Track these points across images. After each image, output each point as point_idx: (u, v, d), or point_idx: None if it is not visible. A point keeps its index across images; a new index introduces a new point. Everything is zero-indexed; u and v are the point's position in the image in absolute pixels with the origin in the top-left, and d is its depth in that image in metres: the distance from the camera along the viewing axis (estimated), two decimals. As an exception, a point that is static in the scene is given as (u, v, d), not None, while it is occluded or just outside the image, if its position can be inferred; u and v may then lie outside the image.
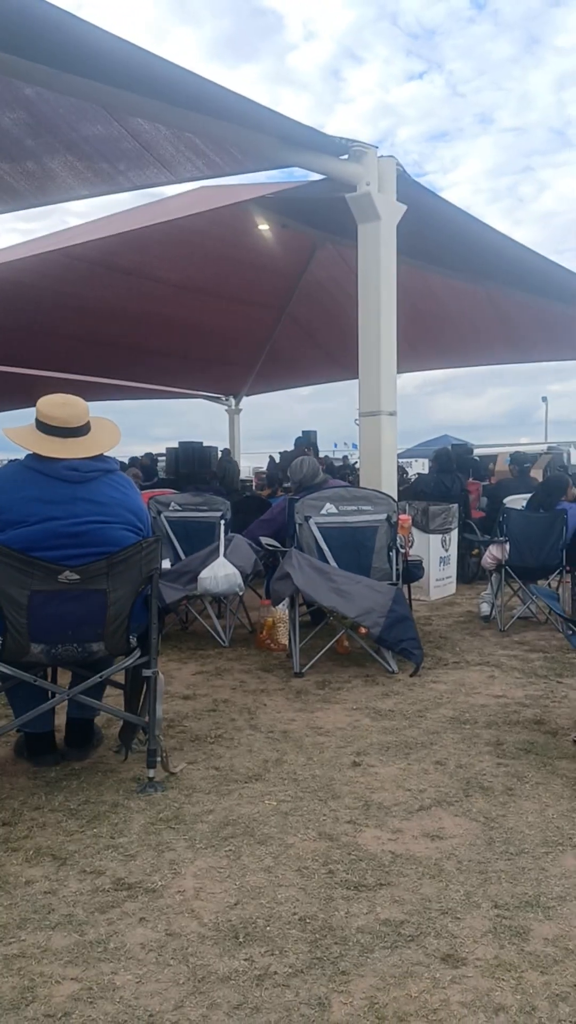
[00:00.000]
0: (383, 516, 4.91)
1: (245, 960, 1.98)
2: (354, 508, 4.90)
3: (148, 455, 15.51)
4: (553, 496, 6.04)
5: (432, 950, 2.01)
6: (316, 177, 6.04)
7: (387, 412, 5.91)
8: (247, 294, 10.39)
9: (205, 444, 16.48)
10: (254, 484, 15.41)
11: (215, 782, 3.08)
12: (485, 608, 6.26)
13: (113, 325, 10.47)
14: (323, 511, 4.86)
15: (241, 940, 2.06)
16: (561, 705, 4.03)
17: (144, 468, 13.22)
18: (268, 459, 16.61)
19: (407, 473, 15.35)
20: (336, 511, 4.86)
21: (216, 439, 17.38)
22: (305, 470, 5.49)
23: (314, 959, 1.98)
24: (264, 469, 19.12)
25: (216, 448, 16.69)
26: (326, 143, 5.51)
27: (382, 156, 5.81)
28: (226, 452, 15.88)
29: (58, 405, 3.12)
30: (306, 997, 1.84)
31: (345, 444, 26.40)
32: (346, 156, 5.65)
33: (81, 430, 3.12)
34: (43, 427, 3.11)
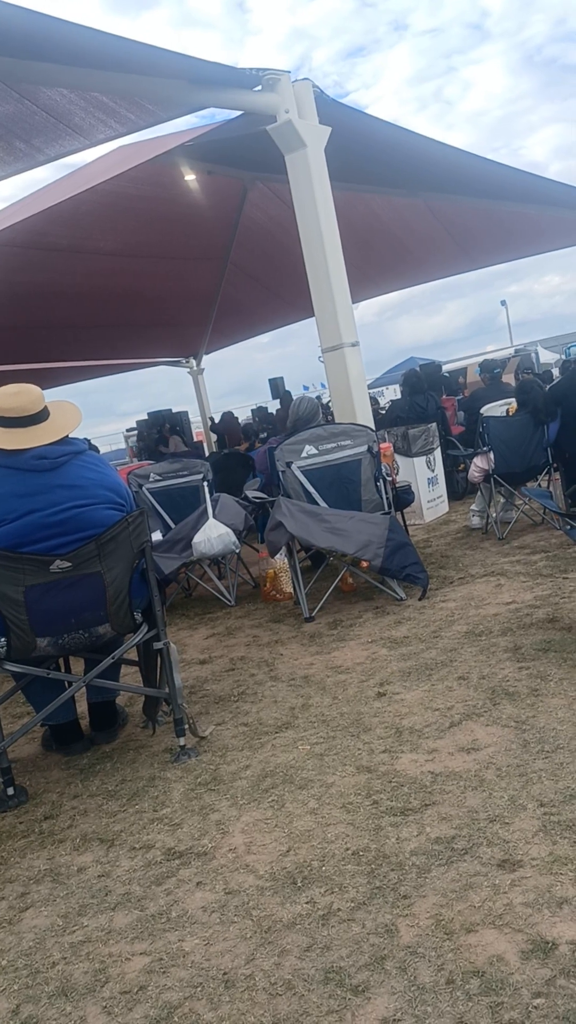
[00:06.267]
0: (364, 448, 4.85)
1: (307, 903, 1.99)
2: (334, 445, 4.84)
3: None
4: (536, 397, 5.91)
5: (487, 859, 2.03)
6: (233, 115, 5.83)
7: (349, 344, 5.80)
8: (186, 250, 10.14)
9: (175, 411, 16.33)
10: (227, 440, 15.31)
11: (246, 738, 3.09)
12: (476, 520, 6.27)
13: (56, 307, 10.21)
14: (304, 454, 4.80)
15: (299, 884, 2.08)
16: (571, 600, 4.04)
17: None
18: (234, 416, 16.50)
19: (379, 403, 15.26)
20: (316, 451, 4.81)
21: (184, 403, 17.23)
22: (303, 410, 5.24)
23: (374, 889, 1.99)
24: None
25: (187, 412, 16.54)
26: (236, 77, 5.30)
27: (296, 80, 5.60)
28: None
29: (11, 395, 3.04)
30: (373, 927, 1.85)
31: (314, 385, 26.21)
32: (259, 87, 5.45)
33: (40, 416, 3.04)
34: (1, 420, 3.03)
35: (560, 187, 9.31)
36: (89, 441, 14.64)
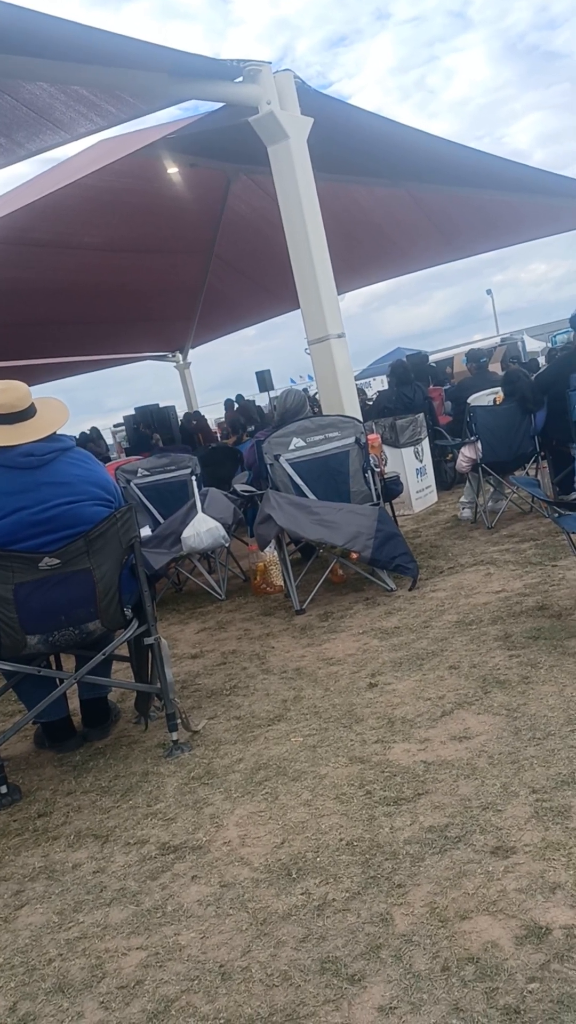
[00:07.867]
0: (352, 439, 4.85)
1: (302, 894, 2.00)
2: (321, 437, 4.84)
3: (94, 429, 15.20)
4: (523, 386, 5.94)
5: (480, 846, 2.04)
6: (216, 107, 5.80)
7: (335, 335, 5.80)
8: (170, 244, 10.09)
9: (162, 405, 16.25)
10: (218, 435, 15.26)
11: (239, 731, 3.10)
12: (466, 512, 6.28)
13: (40, 302, 10.15)
14: (291, 446, 4.80)
15: (294, 876, 2.08)
16: (560, 587, 4.06)
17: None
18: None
19: (366, 394, 15.25)
20: (304, 444, 4.80)
21: (172, 398, 17.16)
22: (290, 402, 5.22)
23: (368, 879, 2.00)
24: (223, 419, 18.97)
25: (174, 407, 16.47)
26: (217, 68, 5.27)
27: (278, 71, 5.58)
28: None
29: (-1, 392, 3.02)
30: (368, 916, 1.86)
31: (301, 377, 26.16)
32: (240, 78, 5.42)
33: (27, 412, 3.03)
34: (-11, 417, 3.01)
35: (543, 175, 9.32)
36: (98, 430, 14.39)
